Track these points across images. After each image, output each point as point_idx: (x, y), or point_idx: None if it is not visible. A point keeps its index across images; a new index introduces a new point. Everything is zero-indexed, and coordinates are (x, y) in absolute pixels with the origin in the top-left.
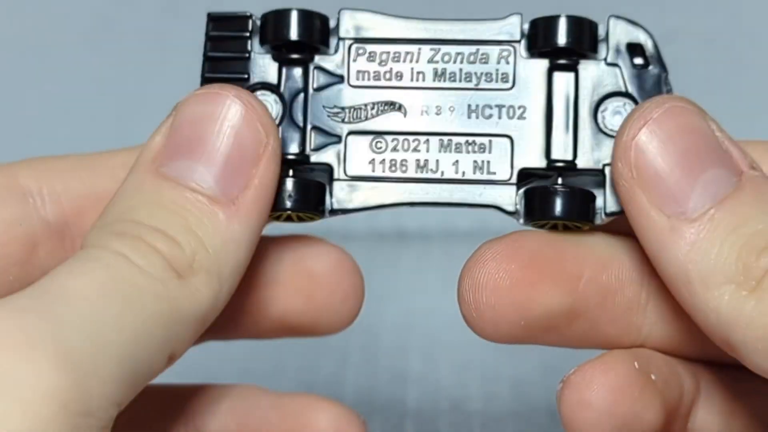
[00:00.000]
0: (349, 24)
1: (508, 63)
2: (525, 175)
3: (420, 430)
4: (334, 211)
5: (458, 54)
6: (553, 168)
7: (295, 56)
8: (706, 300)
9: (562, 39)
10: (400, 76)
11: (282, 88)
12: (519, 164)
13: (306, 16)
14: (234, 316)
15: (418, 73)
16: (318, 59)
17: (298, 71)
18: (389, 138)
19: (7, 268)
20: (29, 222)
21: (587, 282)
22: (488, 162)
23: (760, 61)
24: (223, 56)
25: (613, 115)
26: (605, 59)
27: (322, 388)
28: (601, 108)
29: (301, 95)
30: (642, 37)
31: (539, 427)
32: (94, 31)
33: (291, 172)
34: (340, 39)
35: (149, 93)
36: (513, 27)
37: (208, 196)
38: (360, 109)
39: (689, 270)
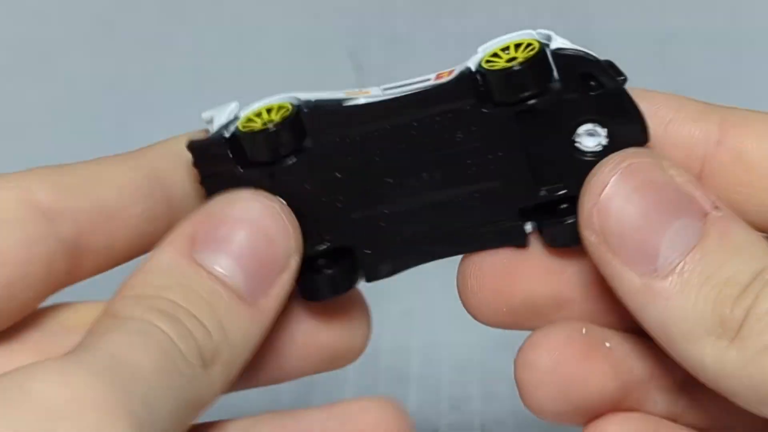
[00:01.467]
0: (312, 130)
1: (472, 123)
2: (525, 211)
3: (420, 429)
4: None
5: (423, 129)
6: (547, 202)
7: (282, 164)
8: (690, 354)
9: (517, 91)
10: (371, 162)
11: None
12: (516, 205)
13: (272, 137)
14: (249, 374)
15: (391, 157)
16: (300, 158)
17: (288, 175)
18: (388, 217)
19: (29, 285)
20: (48, 240)
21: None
22: (488, 211)
23: (761, 62)
24: (216, 177)
25: (588, 137)
26: (563, 92)
27: (323, 387)
28: (575, 135)
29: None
30: (588, 64)
31: (539, 426)
32: (94, 34)
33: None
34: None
35: (149, 96)
36: (466, 89)
37: (238, 293)
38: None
39: (669, 327)
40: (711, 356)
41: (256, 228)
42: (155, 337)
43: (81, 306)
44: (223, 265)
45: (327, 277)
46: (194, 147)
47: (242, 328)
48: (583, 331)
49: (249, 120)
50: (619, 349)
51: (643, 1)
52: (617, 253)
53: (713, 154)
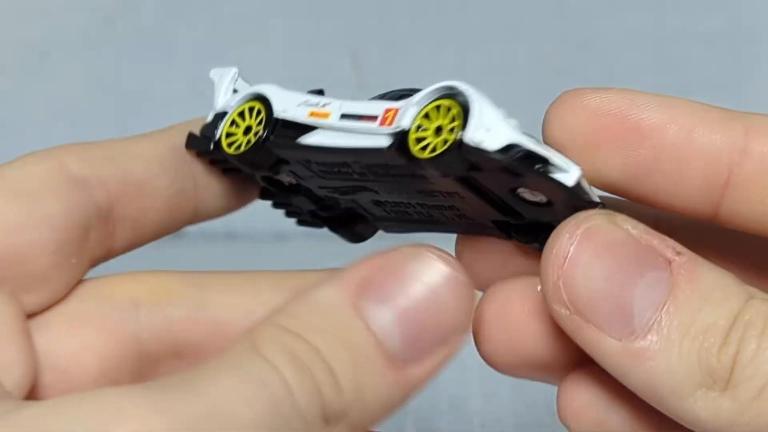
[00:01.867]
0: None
1: (418, 177)
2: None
3: (420, 428)
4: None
5: (372, 171)
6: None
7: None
8: (683, 410)
9: (445, 173)
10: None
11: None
12: (489, 220)
13: (248, 158)
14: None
15: (354, 182)
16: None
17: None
18: (384, 205)
19: (69, 252)
20: (85, 207)
21: None
22: (466, 224)
23: (761, 62)
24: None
25: (529, 193)
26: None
27: None
28: (516, 191)
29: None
30: (506, 137)
31: (539, 425)
32: (94, 34)
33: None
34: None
35: (149, 95)
36: (403, 154)
37: (387, 354)
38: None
39: (656, 386)
40: (705, 409)
41: (431, 292)
42: (272, 389)
43: (122, 277)
44: (384, 320)
45: (366, 223)
46: (193, 148)
47: (381, 393)
48: (538, 288)
49: (231, 124)
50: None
51: (643, 2)
52: (591, 321)
53: (739, 163)
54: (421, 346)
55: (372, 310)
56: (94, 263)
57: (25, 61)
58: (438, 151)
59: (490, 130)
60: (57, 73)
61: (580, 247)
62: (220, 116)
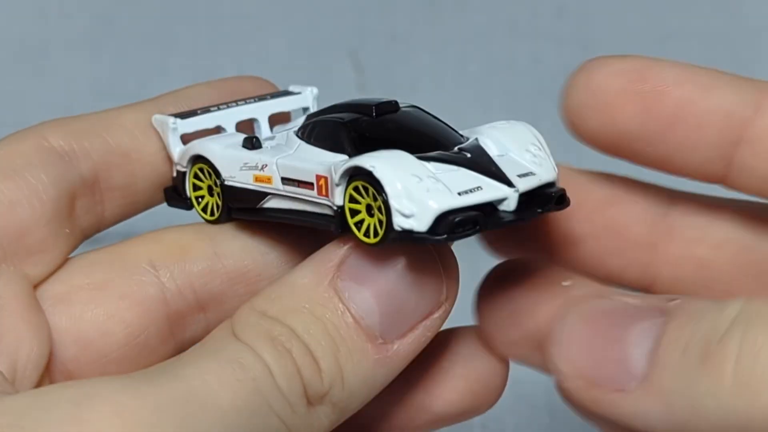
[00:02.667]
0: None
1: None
2: None
3: None
4: None
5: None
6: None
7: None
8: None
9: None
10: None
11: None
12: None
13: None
14: (390, 414)
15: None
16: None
17: None
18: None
19: (61, 222)
20: (70, 178)
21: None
22: None
23: (760, 61)
24: None
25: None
26: None
27: None
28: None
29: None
30: (431, 215)
31: (539, 425)
32: (94, 33)
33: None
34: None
35: (150, 95)
36: (339, 224)
37: (366, 332)
38: None
39: (686, 406)
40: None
41: (408, 270)
42: (252, 373)
43: (137, 240)
44: (361, 299)
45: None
46: (174, 206)
47: (363, 371)
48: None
49: (194, 188)
50: (577, 288)
51: (643, 3)
52: (608, 393)
53: (752, 119)
54: (402, 323)
55: (349, 290)
56: (88, 233)
57: (24, 62)
58: (380, 236)
59: (411, 214)
60: (56, 73)
61: (574, 333)
62: (182, 174)
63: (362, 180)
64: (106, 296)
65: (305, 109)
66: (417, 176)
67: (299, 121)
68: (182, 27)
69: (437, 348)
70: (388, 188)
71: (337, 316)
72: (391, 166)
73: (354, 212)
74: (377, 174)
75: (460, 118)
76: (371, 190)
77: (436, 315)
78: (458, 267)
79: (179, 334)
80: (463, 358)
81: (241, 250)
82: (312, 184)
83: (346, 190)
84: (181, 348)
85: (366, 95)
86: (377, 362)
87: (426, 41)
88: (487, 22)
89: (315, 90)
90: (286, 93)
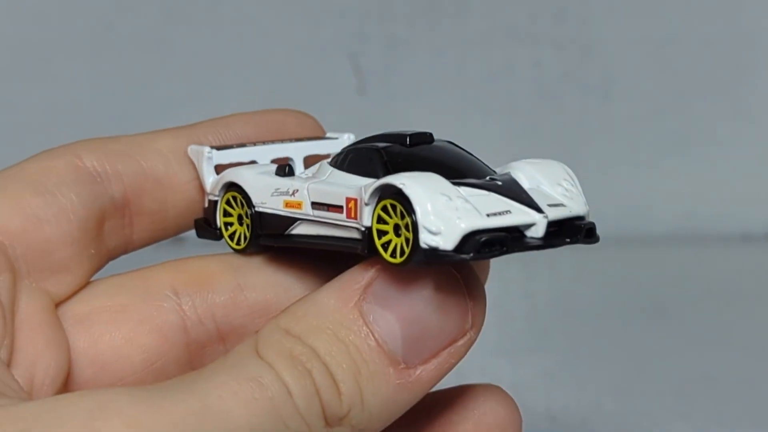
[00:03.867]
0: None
1: None
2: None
3: None
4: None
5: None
6: None
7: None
8: None
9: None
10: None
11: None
12: None
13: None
14: None
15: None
16: None
17: None
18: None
19: (88, 243)
20: (100, 199)
21: None
22: None
23: (760, 64)
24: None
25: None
26: None
27: None
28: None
29: None
30: (458, 234)
31: (539, 431)
32: (94, 36)
33: None
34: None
35: (151, 98)
36: (368, 247)
37: (389, 357)
38: None
39: None
40: None
41: (434, 296)
42: (269, 392)
43: (161, 267)
44: (385, 323)
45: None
46: (205, 238)
47: (384, 395)
48: None
49: (225, 215)
50: None
51: (643, 5)
52: None
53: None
54: (426, 348)
55: (374, 313)
56: (114, 254)
57: (26, 66)
58: (406, 255)
59: (439, 231)
60: (58, 77)
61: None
62: (214, 203)
63: (392, 199)
64: (125, 320)
65: None
66: (447, 195)
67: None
68: (183, 31)
69: (449, 404)
70: (416, 206)
71: (360, 339)
72: (421, 185)
73: (381, 233)
74: (407, 191)
75: (461, 122)
76: (399, 208)
77: (460, 342)
78: (485, 295)
79: (198, 363)
80: (475, 415)
81: (265, 284)
82: (341, 207)
83: (374, 210)
84: None
85: (366, 99)
86: (399, 387)
87: (426, 45)
88: (487, 26)
89: (352, 136)
90: (325, 138)
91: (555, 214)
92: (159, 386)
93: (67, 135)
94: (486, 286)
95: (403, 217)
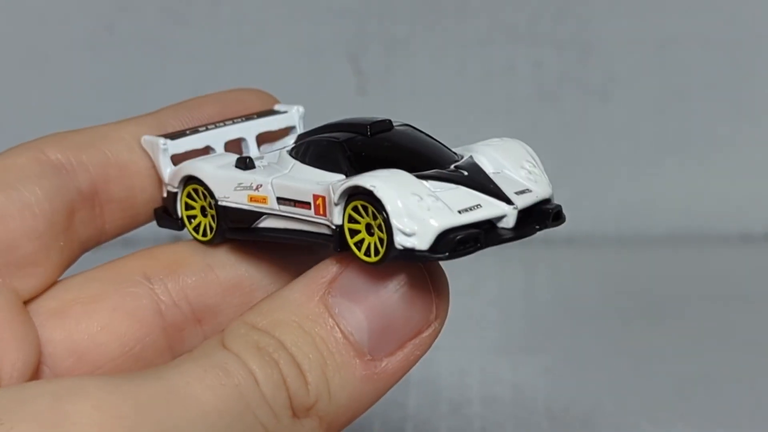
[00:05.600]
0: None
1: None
2: None
3: (421, 431)
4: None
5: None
6: None
7: None
8: None
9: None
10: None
11: None
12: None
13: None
14: None
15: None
16: None
17: None
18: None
19: (55, 236)
20: (67, 191)
21: None
22: None
23: (760, 64)
24: None
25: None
26: None
27: None
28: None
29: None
30: (432, 234)
31: (538, 430)
32: (95, 37)
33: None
34: None
35: (149, 98)
36: (337, 243)
37: (355, 348)
38: None
39: None
40: None
41: (397, 292)
42: (235, 379)
43: (133, 255)
44: (352, 316)
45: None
46: (166, 227)
47: (351, 386)
48: None
49: (187, 207)
50: None
51: (643, 5)
52: None
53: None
54: (392, 340)
55: (339, 306)
56: (87, 246)
57: (26, 66)
58: (380, 254)
59: (413, 233)
60: (58, 78)
61: None
62: (173, 194)
63: (362, 199)
64: (99, 309)
65: (291, 128)
66: (417, 195)
67: (288, 140)
68: (183, 31)
69: None
70: (389, 207)
71: (326, 331)
72: (391, 185)
73: (353, 232)
74: (378, 193)
75: (461, 123)
76: (371, 209)
77: (425, 334)
78: (449, 287)
79: (177, 347)
80: None
81: (234, 262)
82: (309, 203)
83: (345, 209)
84: None
85: (366, 99)
86: (365, 378)
87: (425, 46)
88: (486, 26)
89: (301, 109)
90: (273, 112)
91: (523, 201)
92: (127, 374)
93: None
94: (486, 285)
95: (375, 217)
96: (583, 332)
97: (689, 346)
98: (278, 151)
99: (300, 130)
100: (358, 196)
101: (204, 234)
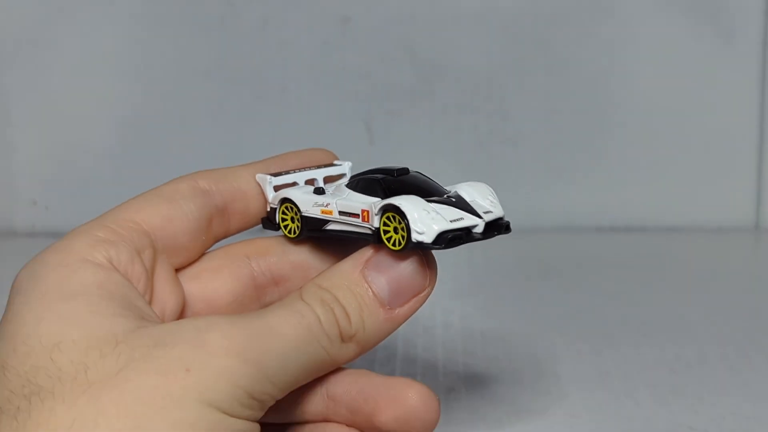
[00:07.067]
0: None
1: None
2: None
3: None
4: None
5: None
6: None
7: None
8: None
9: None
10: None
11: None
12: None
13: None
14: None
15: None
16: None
17: None
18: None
19: (200, 233)
20: (209, 207)
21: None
22: None
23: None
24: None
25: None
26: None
27: None
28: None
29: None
30: (434, 232)
31: (476, 343)
32: (215, 112)
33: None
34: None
35: (238, 150)
36: (376, 239)
37: (380, 301)
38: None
39: None
40: None
41: (407, 267)
42: (307, 319)
43: (240, 243)
44: (378, 281)
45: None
46: (269, 229)
47: (377, 324)
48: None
49: (283, 219)
50: None
51: (540, 89)
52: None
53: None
54: (402, 297)
55: (371, 275)
56: (218, 238)
57: (183, 129)
58: (402, 245)
59: (423, 232)
60: (203, 139)
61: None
62: (273, 209)
63: (392, 211)
64: (219, 274)
65: (343, 175)
66: (425, 210)
67: (344, 180)
68: (259, 109)
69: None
70: (408, 216)
71: (363, 291)
72: (410, 203)
73: (385, 231)
74: (403, 208)
75: (432, 163)
76: (398, 218)
77: (423, 294)
78: (437, 266)
79: (262, 299)
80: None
81: (299, 251)
82: (358, 215)
83: (381, 218)
84: (263, 307)
85: (374, 147)
86: (385, 319)
87: (409, 115)
88: (445, 103)
89: (350, 163)
90: (333, 165)
91: (488, 217)
92: (240, 315)
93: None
94: (449, 260)
95: (400, 222)
96: (503, 285)
97: (573, 293)
98: (338, 183)
99: (348, 176)
100: (390, 209)
101: (292, 233)
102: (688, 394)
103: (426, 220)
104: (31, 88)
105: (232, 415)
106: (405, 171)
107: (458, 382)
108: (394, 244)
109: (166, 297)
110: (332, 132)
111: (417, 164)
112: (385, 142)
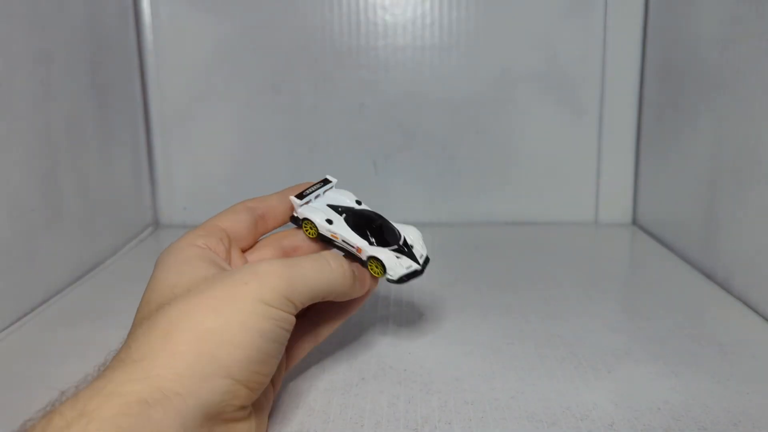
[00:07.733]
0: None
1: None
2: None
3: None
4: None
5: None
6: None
7: None
8: None
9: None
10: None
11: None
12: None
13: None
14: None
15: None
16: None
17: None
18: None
19: (251, 231)
20: (255, 216)
21: None
22: None
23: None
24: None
25: None
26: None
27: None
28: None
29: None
30: (399, 274)
31: (442, 298)
32: (256, 156)
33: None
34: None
35: (277, 180)
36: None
37: (355, 276)
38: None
39: None
40: None
41: (366, 275)
42: (326, 265)
43: (277, 234)
44: (354, 268)
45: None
46: (295, 225)
47: (351, 285)
48: None
49: (306, 229)
50: None
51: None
52: None
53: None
54: (362, 283)
55: (353, 266)
56: (263, 233)
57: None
58: (381, 276)
59: (392, 275)
60: (258, 174)
61: None
62: (296, 218)
63: (375, 261)
64: (264, 251)
65: (333, 185)
66: (394, 260)
67: (330, 186)
68: (303, 153)
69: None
70: (386, 264)
71: (352, 267)
72: (387, 256)
73: (371, 265)
74: (383, 262)
75: (417, 186)
76: (380, 264)
77: (368, 285)
78: (377, 283)
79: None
80: None
81: (305, 240)
82: (354, 246)
83: (369, 259)
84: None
85: (378, 177)
86: (354, 285)
87: (402, 159)
88: (424, 150)
89: (336, 180)
90: (329, 182)
91: (422, 260)
92: (283, 260)
93: (267, 190)
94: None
95: (377, 266)
96: (454, 261)
97: (493, 261)
98: (325, 188)
99: (334, 185)
100: (374, 258)
101: (310, 236)
102: (556, 314)
103: (395, 268)
104: (185, 140)
105: (275, 308)
106: (379, 217)
107: (410, 312)
108: (375, 273)
109: (237, 263)
110: (351, 167)
111: (401, 186)
112: (384, 173)
